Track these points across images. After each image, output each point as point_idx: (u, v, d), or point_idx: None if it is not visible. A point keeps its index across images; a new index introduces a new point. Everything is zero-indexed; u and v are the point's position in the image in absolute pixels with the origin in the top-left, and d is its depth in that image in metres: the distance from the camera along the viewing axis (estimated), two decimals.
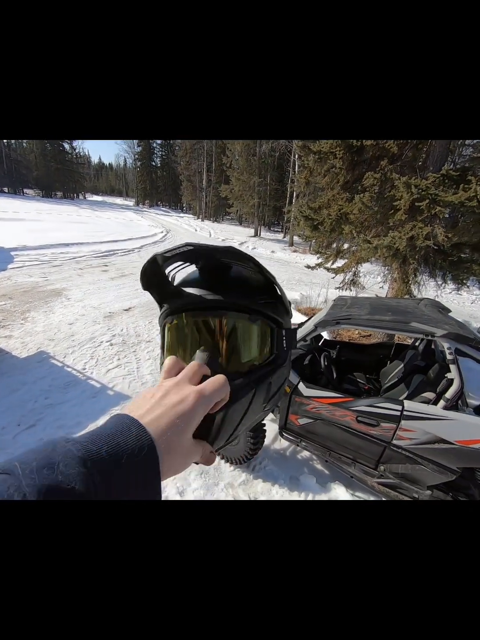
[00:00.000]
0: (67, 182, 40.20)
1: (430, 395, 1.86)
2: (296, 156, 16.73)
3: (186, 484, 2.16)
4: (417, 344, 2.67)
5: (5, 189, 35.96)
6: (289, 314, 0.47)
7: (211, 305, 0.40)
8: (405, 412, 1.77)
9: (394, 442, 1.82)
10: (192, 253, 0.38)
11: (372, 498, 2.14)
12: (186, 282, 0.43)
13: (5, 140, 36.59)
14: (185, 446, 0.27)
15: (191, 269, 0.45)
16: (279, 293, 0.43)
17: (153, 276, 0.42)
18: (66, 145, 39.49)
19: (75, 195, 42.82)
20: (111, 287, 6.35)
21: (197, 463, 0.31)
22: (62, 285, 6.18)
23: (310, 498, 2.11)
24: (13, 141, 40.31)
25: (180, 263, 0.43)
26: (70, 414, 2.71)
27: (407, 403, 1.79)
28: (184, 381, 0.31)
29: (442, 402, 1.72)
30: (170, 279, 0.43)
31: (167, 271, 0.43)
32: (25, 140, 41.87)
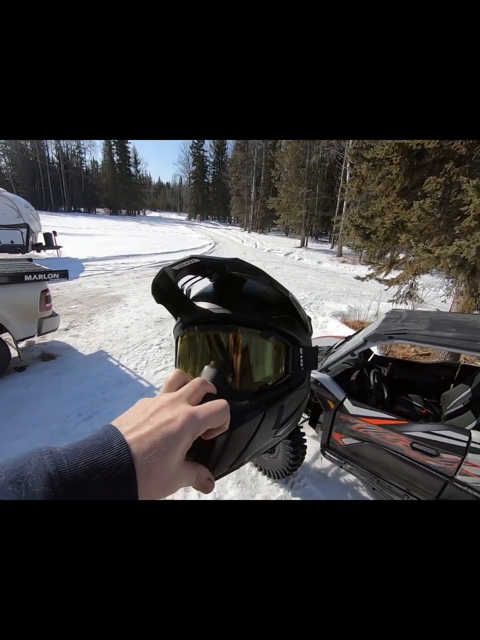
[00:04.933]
0: (131, 201, 45.35)
1: None
2: (347, 165, 16.26)
3: (223, 491, 2.17)
4: None
5: (82, 209, 41.99)
6: (307, 331, 0.43)
7: (221, 319, 0.39)
8: (472, 444, 1.53)
9: (458, 477, 1.58)
10: (199, 266, 0.37)
11: None
12: (199, 296, 0.42)
13: (84, 170, 42.81)
14: (169, 470, 0.25)
15: (206, 283, 0.44)
16: (295, 308, 0.40)
17: (164, 290, 0.41)
18: (132, 169, 44.75)
19: (136, 212, 47.89)
20: None
21: (196, 489, 0.29)
22: (122, 291, 6.84)
23: None
24: (90, 168, 46.76)
25: (191, 276, 0.43)
26: (122, 409, 2.84)
27: (475, 434, 1.55)
28: (182, 398, 0.29)
29: None
30: (184, 293, 0.43)
31: (180, 284, 0.42)
32: (99, 167, 48.38)
